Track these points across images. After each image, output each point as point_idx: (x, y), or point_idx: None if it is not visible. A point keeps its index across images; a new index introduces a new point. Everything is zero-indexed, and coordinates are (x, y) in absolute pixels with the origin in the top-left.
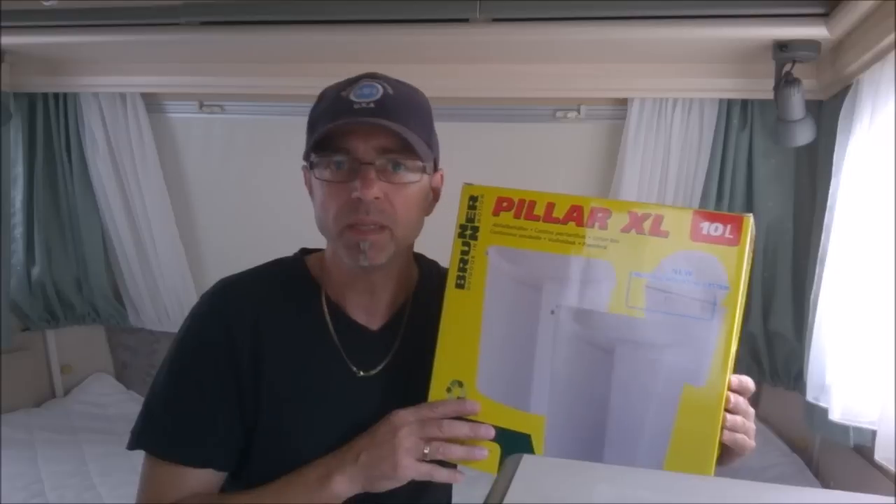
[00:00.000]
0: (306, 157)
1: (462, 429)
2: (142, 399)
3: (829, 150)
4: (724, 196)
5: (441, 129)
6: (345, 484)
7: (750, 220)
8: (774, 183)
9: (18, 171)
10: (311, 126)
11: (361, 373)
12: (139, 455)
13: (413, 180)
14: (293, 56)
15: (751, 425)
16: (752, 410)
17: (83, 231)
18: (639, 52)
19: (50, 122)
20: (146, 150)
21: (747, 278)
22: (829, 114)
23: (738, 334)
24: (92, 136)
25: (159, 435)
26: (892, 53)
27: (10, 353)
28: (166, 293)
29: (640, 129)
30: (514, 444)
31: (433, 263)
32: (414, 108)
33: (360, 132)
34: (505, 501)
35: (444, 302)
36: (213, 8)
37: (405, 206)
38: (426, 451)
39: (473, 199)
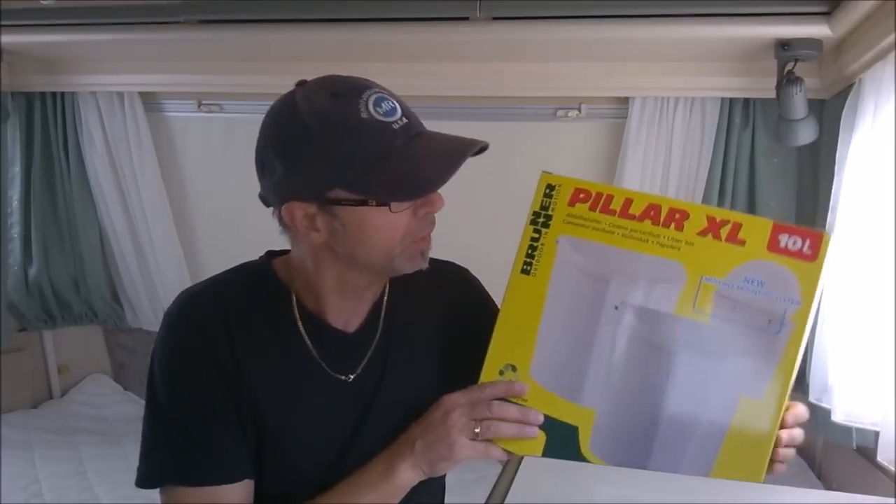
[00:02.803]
0: (370, 196)
1: (511, 411)
2: (139, 400)
3: (832, 149)
4: (726, 195)
5: (441, 127)
6: (408, 472)
7: (829, 239)
8: (776, 182)
9: (16, 170)
10: (368, 161)
11: (340, 377)
12: (136, 455)
13: None
14: (292, 55)
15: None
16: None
17: (80, 231)
18: (640, 50)
19: (47, 121)
20: (144, 150)
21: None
22: (831, 113)
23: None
24: (90, 135)
25: (183, 463)
26: (895, 52)
27: (8, 353)
28: (164, 293)
29: (642, 128)
30: (560, 434)
31: None
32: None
33: None
34: (506, 502)
35: (507, 285)
36: (212, 7)
37: None
38: (477, 430)
39: (550, 187)
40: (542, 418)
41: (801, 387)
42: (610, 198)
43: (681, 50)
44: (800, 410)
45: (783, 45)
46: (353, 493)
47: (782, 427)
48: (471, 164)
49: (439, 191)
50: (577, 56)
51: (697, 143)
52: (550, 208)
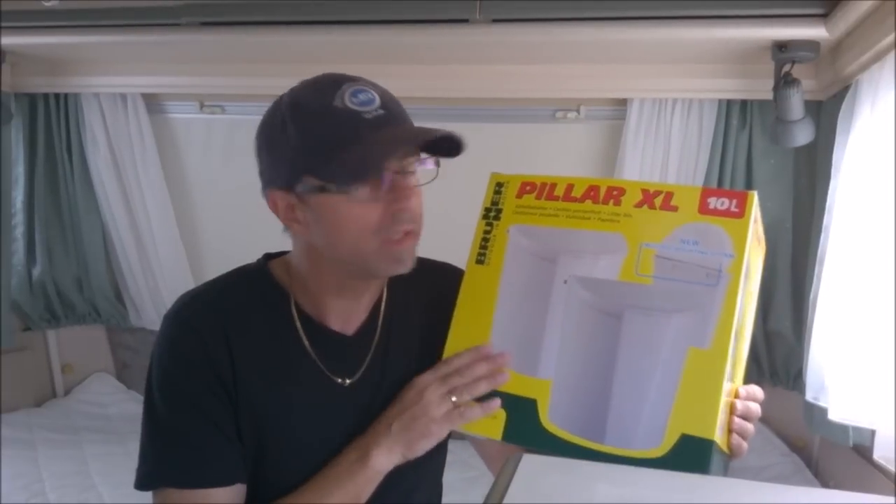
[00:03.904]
0: (327, 181)
1: (480, 368)
2: (142, 399)
3: (829, 151)
4: None
5: None
6: (383, 456)
7: (755, 196)
8: (774, 183)
9: (19, 171)
10: (321, 147)
11: (340, 380)
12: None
13: (431, 178)
14: (293, 56)
15: (752, 429)
16: (758, 415)
17: (84, 231)
18: (638, 52)
19: (51, 122)
20: (147, 151)
21: (760, 254)
22: (828, 114)
23: (753, 305)
24: (93, 136)
25: (177, 466)
26: (892, 54)
27: (11, 352)
28: (167, 293)
29: (640, 130)
30: (519, 408)
31: None
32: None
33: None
34: (504, 502)
35: (464, 277)
36: (214, 8)
37: (421, 206)
38: (454, 399)
39: (499, 185)
40: (509, 358)
41: (797, 385)
42: (553, 185)
43: (679, 52)
44: (753, 387)
45: (780, 46)
46: (327, 483)
47: (735, 398)
48: (470, 166)
49: (423, 192)
50: (576, 58)
51: (695, 145)
52: (500, 203)
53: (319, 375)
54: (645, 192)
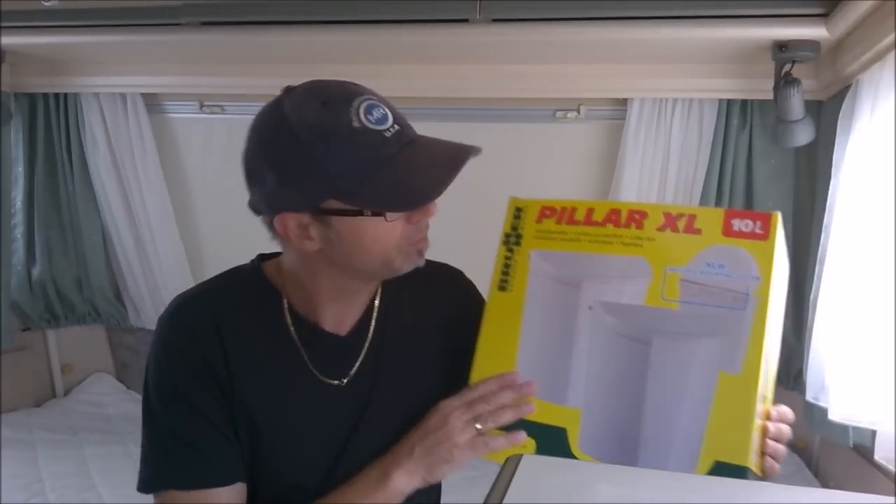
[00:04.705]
0: (366, 207)
1: (506, 395)
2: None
3: (829, 151)
4: (724, 196)
5: (441, 129)
6: (404, 478)
7: (779, 217)
8: (774, 183)
9: (19, 171)
10: (362, 171)
11: (332, 381)
12: (138, 454)
13: None
14: (293, 56)
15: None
16: (790, 437)
17: (84, 231)
18: (638, 52)
19: (50, 122)
20: (147, 151)
21: (784, 275)
22: (828, 114)
23: (778, 326)
24: (92, 136)
25: (176, 467)
26: (892, 54)
27: (11, 352)
28: (166, 293)
29: (640, 130)
30: (549, 438)
31: None
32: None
33: None
34: (505, 502)
35: (486, 304)
36: (214, 8)
37: None
38: (478, 426)
39: (518, 209)
40: (535, 387)
41: (798, 385)
42: (573, 210)
43: (679, 52)
44: (784, 408)
45: (780, 46)
46: (345, 500)
47: (767, 419)
48: (470, 166)
49: None
50: (577, 58)
51: (695, 145)
52: (520, 228)
53: (312, 376)
54: (667, 215)
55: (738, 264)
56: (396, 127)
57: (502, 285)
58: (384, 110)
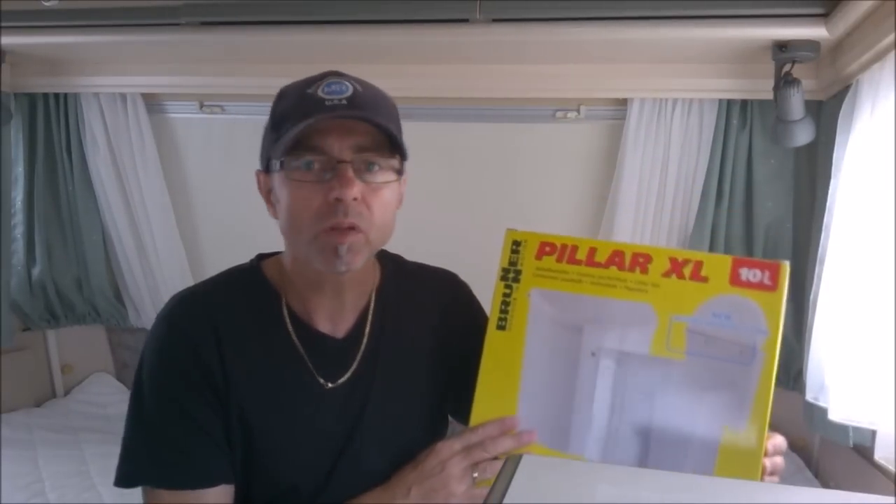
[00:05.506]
0: (272, 157)
1: (506, 443)
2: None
3: (829, 151)
4: (724, 196)
5: (441, 129)
6: None
7: (787, 267)
8: (774, 183)
9: (19, 171)
10: (277, 125)
11: (328, 383)
12: None
13: (389, 180)
14: (293, 56)
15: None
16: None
17: (84, 231)
18: (638, 52)
19: (50, 122)
20: (147, 151)
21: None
22: (828, 114)
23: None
24: (92, 136)
25: (161, 466)
26: (892, 54)
27: (11, 352)
28: (166, 293)
29: (640, 130)
30: None
31: (397, 261)
32: (385, 106)
33: (336, 130)
34: (505, 502)
35: (484, 343)
36: (214, 8)
37: (381, 209)
38: (475, 475)
39: (517, 243)
40: (535, 435)
41: (797, 385)
42: (575, 248)
43: (679, 52)
44: (778, 440)
45: (780, 46)
46: None
47: (763, 456)
48: (470, 166)
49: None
50: (576, 58)
51: (695, 145)
52: (519, 263)
53: (309, 378)
54: (673, 260)
55: (746, 316)
56: (344, 102)
57: (501, 324)
58: (346, 87)
